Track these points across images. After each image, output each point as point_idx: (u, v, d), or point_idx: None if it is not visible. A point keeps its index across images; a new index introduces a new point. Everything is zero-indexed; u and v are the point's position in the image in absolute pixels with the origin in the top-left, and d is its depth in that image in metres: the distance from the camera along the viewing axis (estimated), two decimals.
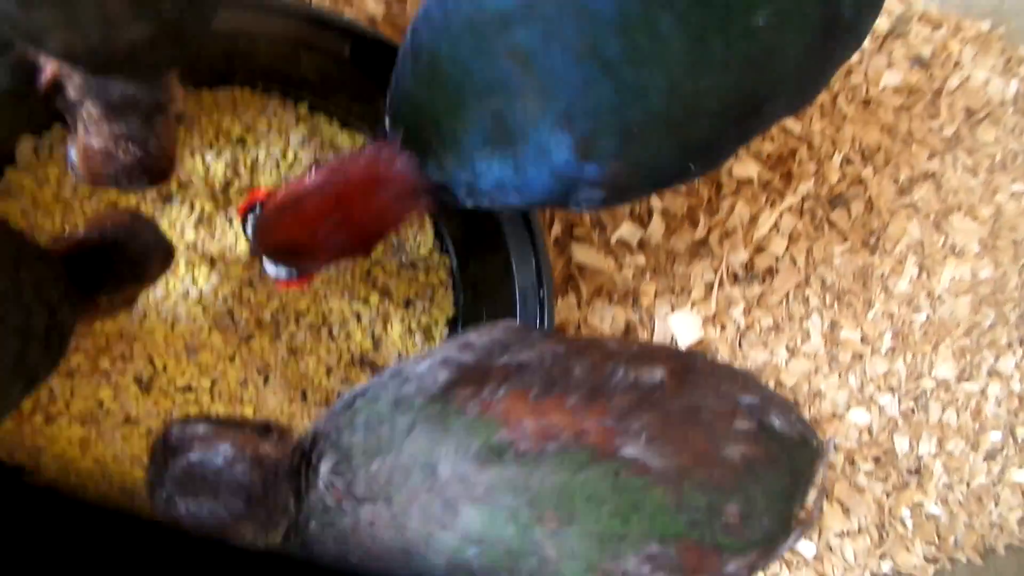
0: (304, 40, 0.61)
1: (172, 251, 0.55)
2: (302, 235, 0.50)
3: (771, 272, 0.84)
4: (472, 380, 0.41)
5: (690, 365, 0.45)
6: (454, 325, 0.70)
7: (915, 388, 0.90)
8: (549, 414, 0.39)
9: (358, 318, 0.67)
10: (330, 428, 0.42)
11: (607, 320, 0.77)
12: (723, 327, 0.82)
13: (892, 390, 0.89)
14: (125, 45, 0.38)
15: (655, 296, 0.79)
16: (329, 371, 0.65)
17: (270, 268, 0.55)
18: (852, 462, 0.87)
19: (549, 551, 0.38)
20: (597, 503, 0.38)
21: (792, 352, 0.85)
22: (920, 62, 0.92)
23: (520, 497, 0.37)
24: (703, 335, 0.80)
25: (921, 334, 0.91)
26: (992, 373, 0.94)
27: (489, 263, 0.67)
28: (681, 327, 0.79)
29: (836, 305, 0.87)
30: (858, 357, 0.87)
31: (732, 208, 0.81)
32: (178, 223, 0.63)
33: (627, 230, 0.78)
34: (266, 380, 0.63)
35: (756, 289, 0.83)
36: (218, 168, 0.63)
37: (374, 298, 0.67)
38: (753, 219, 0.82)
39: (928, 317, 0.91)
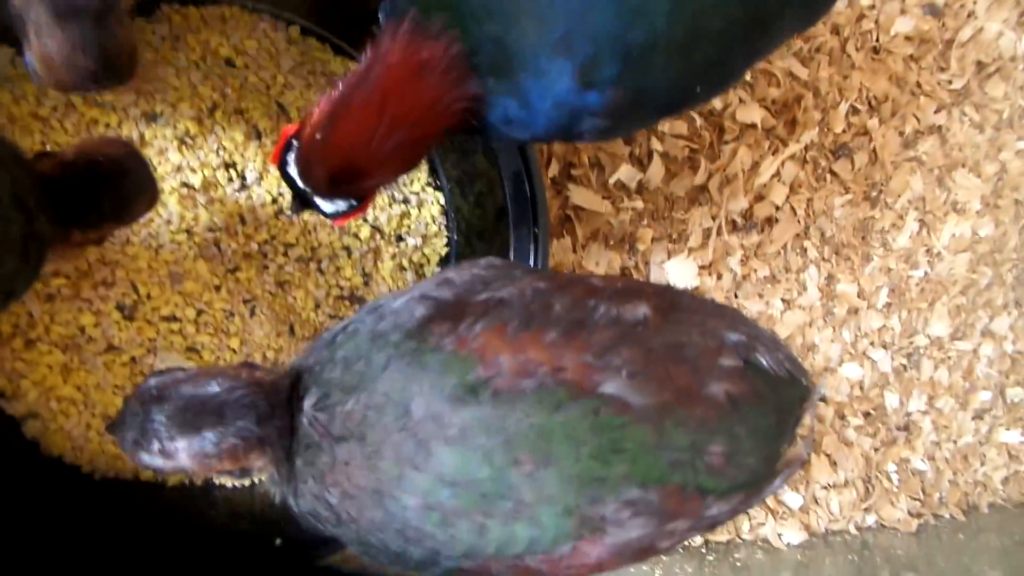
0: None
1: (157, 195, 0.53)
2: (358, 150, 0.46)
3: (770, 222, 0.84)
4: (449, 316, 0.40)
5: (675, 301, 0.44)
6: (446, 264, 0.70)
7: (908, 345, 0.92)
8: (526, 349, 0.38)
9: (348, 252, 0.66)
10: (313, 363, 0.42)
11: (603, 264, 0.77)
12: (719, 276, 0.82)
13: (886, 346, 0.90)
14: None
15: (652, 242, 0.80)
16: (317, 305, 0.65)
17: (326, 206, 0.51)
18: (842, 416, 0.89)
19: (525, 495, 0.37)
20: (575, 444, 0.37)
21: (788, 304, 0.86)
22: (933, 10, 0.91)
23: (495, 438, 0.37)
24: (699, 283, 0.81)
25: (918, 291, 0.92)
26: (985, 333, 0.96)
27: (483, 201, 0.66)
28: (677, 274, 0.80)
29: (834, 258, 0.87)
30: (853, 311, 0.89)
31: (734, 153, 0.81)
32: (161, 144, 0.62)
33: (626, 172, 0.78)
34: (252, 312, 0.63)
35: (754, 238, 0.83)
36: (204, 90, 0.62)
37: (365, 232, 0.67)
38: (755, 166, 0.82)
39: (926, 274, 0.92)
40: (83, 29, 0.44)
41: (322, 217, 0.65)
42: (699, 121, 0.80)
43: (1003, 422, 0.96)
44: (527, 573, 0.39)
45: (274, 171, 0.64)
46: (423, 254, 0.69)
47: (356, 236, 0.66)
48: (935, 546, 0.88)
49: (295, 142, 0.47)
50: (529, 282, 0.42)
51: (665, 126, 0.79)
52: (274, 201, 0.65)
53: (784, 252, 0.85)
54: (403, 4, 0.45)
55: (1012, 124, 0.96)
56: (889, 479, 0.90)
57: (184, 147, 0.62)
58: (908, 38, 0.90)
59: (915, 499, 0.91)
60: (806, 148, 0.85)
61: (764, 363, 0.42)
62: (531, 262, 0.61)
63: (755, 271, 0.84)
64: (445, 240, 0.70)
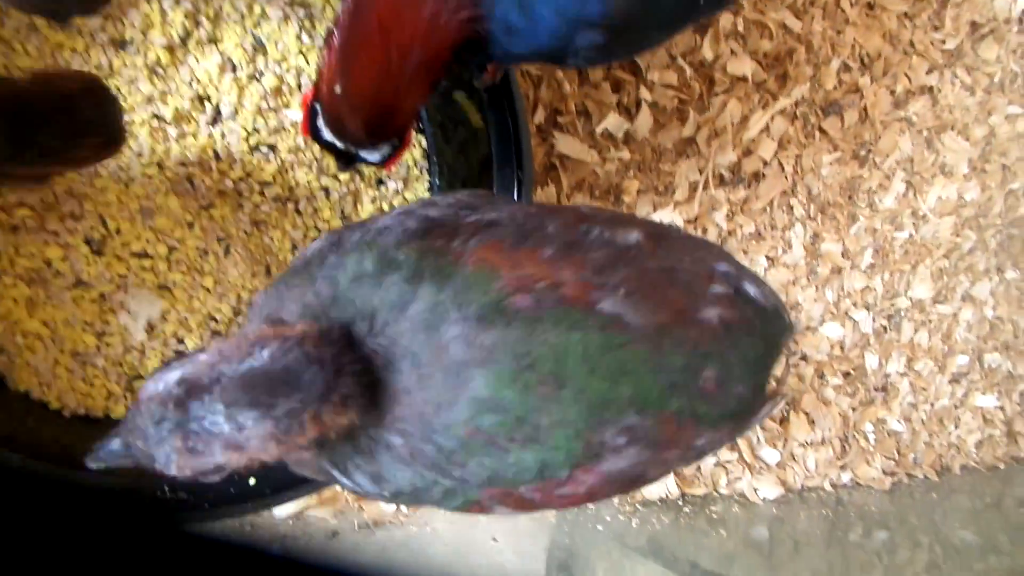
0: None
1: (117, 141, 0.49)
2: (380, 88, 0.45)
3: (757, 177, 0.85)
4: (440, 234, 0.39)
5: (665, 232, 0.45)
6: None
7: (890, 306, 0.94)
8: (524, 265, 0.38)
9: (327, 193, 0.66)
10: (318, 300, 0.39)
11: None
12: (704, 231, 0.83)
13: (868, 307, 0.93)
14: None
15: (637, 194, 0.80)
16: (295, 246, 0.65)
17: (371, 155, 0.51)
18: (821, 376, 0.91)
19: (542, 418, 0.37)
20: (588, 364, 0.37)
21: (772, 261, 0.87)
22: None
23: (522, 359, 0.36)
24: None
25: (901, 252, 0.94)
26: (966, 298, 0.98)
27: (466, 146, 0.66)
28: None
29: (820, 217, 0.89)
30: (837, 271, 0.90)
31: (723, 106, 0.82)
32: (131, 73, 0.61)
33: (613, 122, 0.78)
34: (227, 251, 0.62)
35: (741, 193, 0.84)
36: (176, 17, 0.61)
37: (344, 174, 0.66)
38: (744, 120, 0.83)
39: (910, 236, 0.94)
40: None
41: (294, 152, 0.64)
42: (689, 72, 0.81)
43: (979, 386, 0.99)
44: (519, 503, 0.39)
45: (249, 105, 0.63)
46: (404, 199, 0.69)
47: (335, 178, 0.66)
48: (908, 505, 0.92)
49: (318, 106, 0.47)
50: (518, 207, 0.42)
51: (655, 74, 0.79)
52: (248, 136, 0.64)
53: (770, 209, 0.86)
54: None
55: (1003, 88, 0.97)
56: (866, 438, 0.92)
57: (155, 77, 0.61)
58: None
59: (890, 459, 0.94)
60: (796, 104, 0.86)
61: (752, 293, 0.42)
62: None
63: (740, 227, 0.85)
64: (427, 185, 0.70)
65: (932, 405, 0.97)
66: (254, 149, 0.64)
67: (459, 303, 0.36)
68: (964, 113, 0.95)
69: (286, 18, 0.65)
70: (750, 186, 0.85)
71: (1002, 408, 1.00)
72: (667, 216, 0.81)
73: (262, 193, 0.64)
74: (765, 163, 0.85)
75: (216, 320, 0.63)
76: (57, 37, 0.58)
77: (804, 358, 0.90)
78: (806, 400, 0.89)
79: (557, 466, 0.38)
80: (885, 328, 0.94)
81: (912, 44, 0.93)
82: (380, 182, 0.69)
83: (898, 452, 0.94)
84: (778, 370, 0.88)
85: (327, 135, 0.49)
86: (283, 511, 0.68)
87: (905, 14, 0.92)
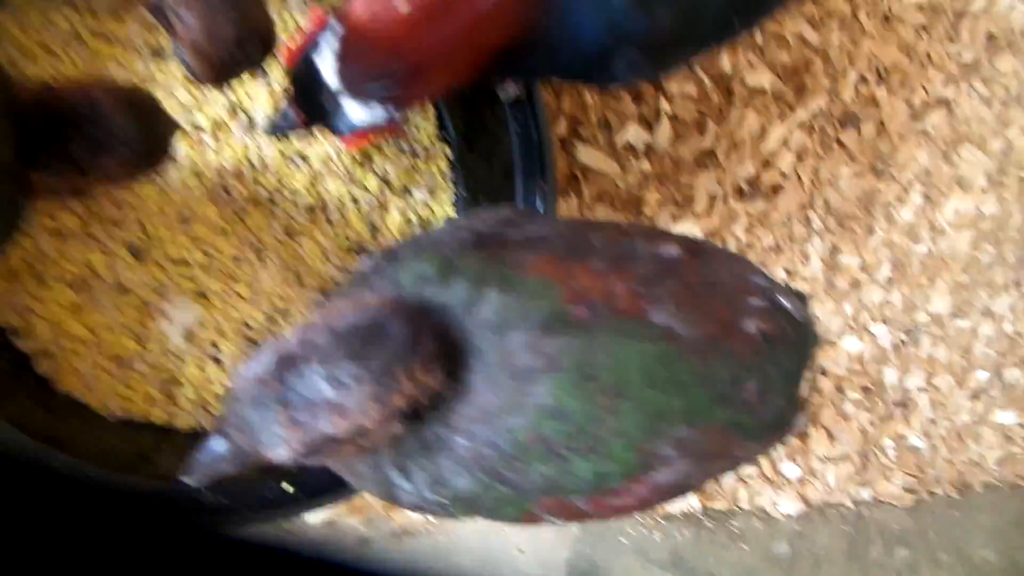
0: None
1: (156, 159, 0.52)
2: (422, 34, 0.45)
3: (776, 190, 0.93)
4: (495, 246, 0.42)
5: (700, 246, 0.48)
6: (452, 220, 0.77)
7: (908, 321, 1.01)
8: (578, 276, 0.40)
9: (356, 203, 0.73)
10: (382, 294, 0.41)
11: None
12: (723, 243, 0.91)
13: (886, 321, 1.00)
14: None
15: (658, 206, 0.88)
16: (326, 256, 0.71)
17: (356, 112, 0.50)
18: (840, 390, 0.98)
19: (602, 428, 0.39)
20: (646, 374, 0.39)
21: (791, 274, 0.94)
22: None
23: (584, 369, 0.39)
24: None
25: (920, 266, 1.01)
26: (985, 312, 1.05)
27: (491, 156, 0.73)
28: None
29: (838, 230, 0.96)
30: (856, 284, 0.98)
31: (742, 118, 0.89)
32: (169, 83, 0.66)
33: (633, 133, 0.85)
34: (261, 259, 0.69)
35: (760, 206, 0.91)
36: None
37: (372, 183, 0.73)
38: (762, 131, 0.91)
39: (928, 250, 1.01)
40: None
41: (325, 163, 0.70)
42: (708, 83, 0.88)
43: (999, 402, 1.06)
44: (571, 513, 0.42)
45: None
46: (430, 209, 0.76)
47: (365, 188, 0.73)
48: (928, 522, 0.98)
49: (338, 27, 0.48)
50: (560, 222, 0.46)
51: (674, 86, 0.87)
52: (280, 146, 0.71)
53: (788, 221, 0.94)
54: None
55: (1020, 100, 1.05)
56: (885, 454, 0.99)
57: (192, 86, 0.68)
58: (920, 7, 0.99)
59: (910, 475, 1.00)
60: (814, 116, 0.94)
61: (788, 305, 0.46)
62: None
63: (759, 240, 0.92)
64: (452, 195, 0.77)
65: (952, 421, 1.03)
66: (286, 158, 0.71)
67: (524, 310, 0.39)
68: (981, 125, 1.03)
69: None
70: (769, 199, 0.93)
71: (1022, 425, 1.07)
72: (687, 228, 0.88)
73: (294, 202, 0.71)
74: (783, 175, 0.92)
75: (250, 327, 0.67)
76: (96, 44, 0.64)
77: (824, 372, 0.97)
78: (825, 415, 0.96)
79: (612, 477, 0.40)
80: (903, 342, 1.01)
81: (929, 56, 1.01)
82: (406, 191, 0.76)
83: (918, 468, 1.00)
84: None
85: (324, 64, 0.48)
86: (315, 518, 0.73)
87: (922, 26, 1.00)
